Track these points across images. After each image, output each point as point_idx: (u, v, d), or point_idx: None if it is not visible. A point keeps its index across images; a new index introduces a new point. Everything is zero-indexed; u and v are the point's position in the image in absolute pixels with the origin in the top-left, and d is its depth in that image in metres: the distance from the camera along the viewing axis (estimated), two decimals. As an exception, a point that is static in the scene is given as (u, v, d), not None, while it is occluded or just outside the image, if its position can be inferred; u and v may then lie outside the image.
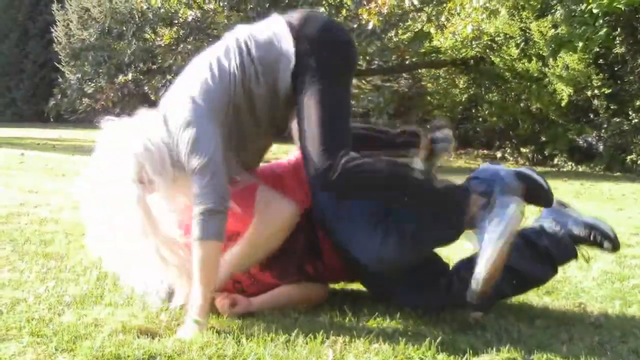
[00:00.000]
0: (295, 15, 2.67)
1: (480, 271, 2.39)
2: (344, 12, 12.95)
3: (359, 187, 2.53)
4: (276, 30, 2.61)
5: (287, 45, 2.56)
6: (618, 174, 12.39)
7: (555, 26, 12.12)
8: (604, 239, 2.79)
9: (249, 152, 2.77)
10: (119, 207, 2.48)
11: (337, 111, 2.53)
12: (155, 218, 2.53)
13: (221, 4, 13.57)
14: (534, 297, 3.08)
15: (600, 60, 12.74)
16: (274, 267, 2.77)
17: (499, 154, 15.96)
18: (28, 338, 2.23)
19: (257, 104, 2.60)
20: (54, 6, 23.94)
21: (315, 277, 2.82)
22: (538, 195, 2.66)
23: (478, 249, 2.44)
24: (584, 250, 2.84)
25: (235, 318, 2.56)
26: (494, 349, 2.30)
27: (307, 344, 2.27)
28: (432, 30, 13.66)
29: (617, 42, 12.40)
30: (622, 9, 10.57)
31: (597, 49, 12.01)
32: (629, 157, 12.60)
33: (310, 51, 2.55)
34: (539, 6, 12.84)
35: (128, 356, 2.08)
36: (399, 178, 2.52)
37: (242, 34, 2.64)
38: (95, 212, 2.56)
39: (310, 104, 2.50)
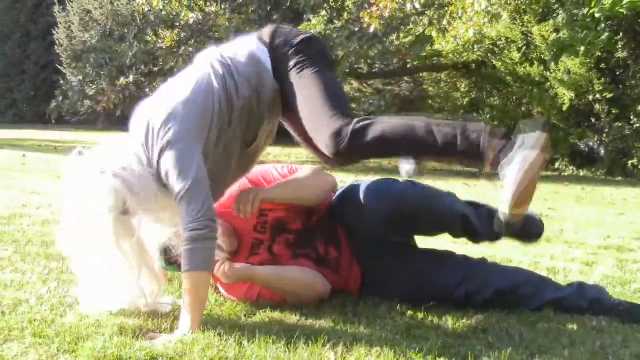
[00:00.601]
0: (264, 31, 2.79)
1: (507, 197, 2.30)
2: (345, 15, 12.96)
3: (372, 148, 2.53)
4: (251, 46, 2.71)
5: (264, 56, 2.68)
6: (619, 178, 12.40)
7: (557, 30, 12.12)
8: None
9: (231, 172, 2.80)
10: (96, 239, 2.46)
11: (333, 87, 2.66)
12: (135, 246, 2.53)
13: (223, 7, 13.60)
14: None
15: (602, 64, 12.74)
16: (298, 245, 2.93)
17: (500, 158, 15.95)
18: (30, 339, 2.23)
19: (240, 114, 2.63)
20: (56, 8, 23.98)
21: (325, 258, 2.91)
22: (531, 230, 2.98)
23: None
24: None
25: (237, 318, 2.56)
26: (496, 352, 2.30)
27: (308, 346, 2.27)
28: (434, 34, 13.67)
29: (620, 46, 12.41)
30: (625, 13, 10.57)
31: (599, 54, 12.03)
32: (630, 162, 12.60)
33: (288, 53, 2.67)
34: (540, 10, 12.85)
35: (130, 358, 2.08)
36: (412, 136, 2.49)
37: (217, 55, 2.70)
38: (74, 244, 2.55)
39: (307, 86, 2.61)
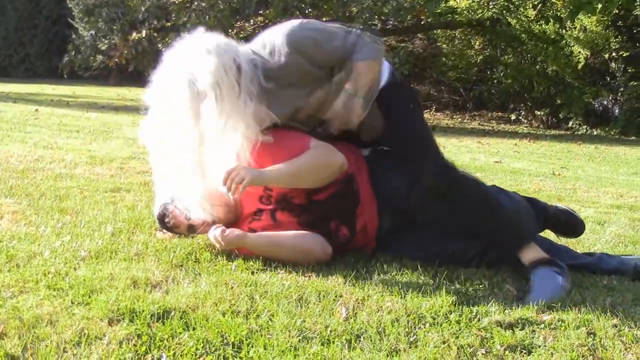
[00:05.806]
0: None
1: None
2: (360, -30, 12.78)
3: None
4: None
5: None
6: (633, 138, 12.32)
7: (573, -13, 11.95)
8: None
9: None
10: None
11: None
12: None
13: (235, -39, 13.43)
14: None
15: (619, 22, 12.57)
16: (304, 216, 2.86)
17: (513, 117, 15.88)
18: (45, 291, 2.26)
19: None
20: (67, -39, 23.79)
21: (335, 236, 2.86)
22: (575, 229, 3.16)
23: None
24: None
25: (249, 273, 2.57)
26: (507, 309, 2.31)
27: (320, 301, 2.29)
28: (449, -10, 13.52)
29: (638, 3, 12.21)
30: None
31: (617, 11, 11.85)
32: (644, 121, 12.51)
33: (396, 93, 2.98)
34: (557, -34, 12.65)
35: (142, 311, 2.10)
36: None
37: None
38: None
39: (410, 125, 2.95)
